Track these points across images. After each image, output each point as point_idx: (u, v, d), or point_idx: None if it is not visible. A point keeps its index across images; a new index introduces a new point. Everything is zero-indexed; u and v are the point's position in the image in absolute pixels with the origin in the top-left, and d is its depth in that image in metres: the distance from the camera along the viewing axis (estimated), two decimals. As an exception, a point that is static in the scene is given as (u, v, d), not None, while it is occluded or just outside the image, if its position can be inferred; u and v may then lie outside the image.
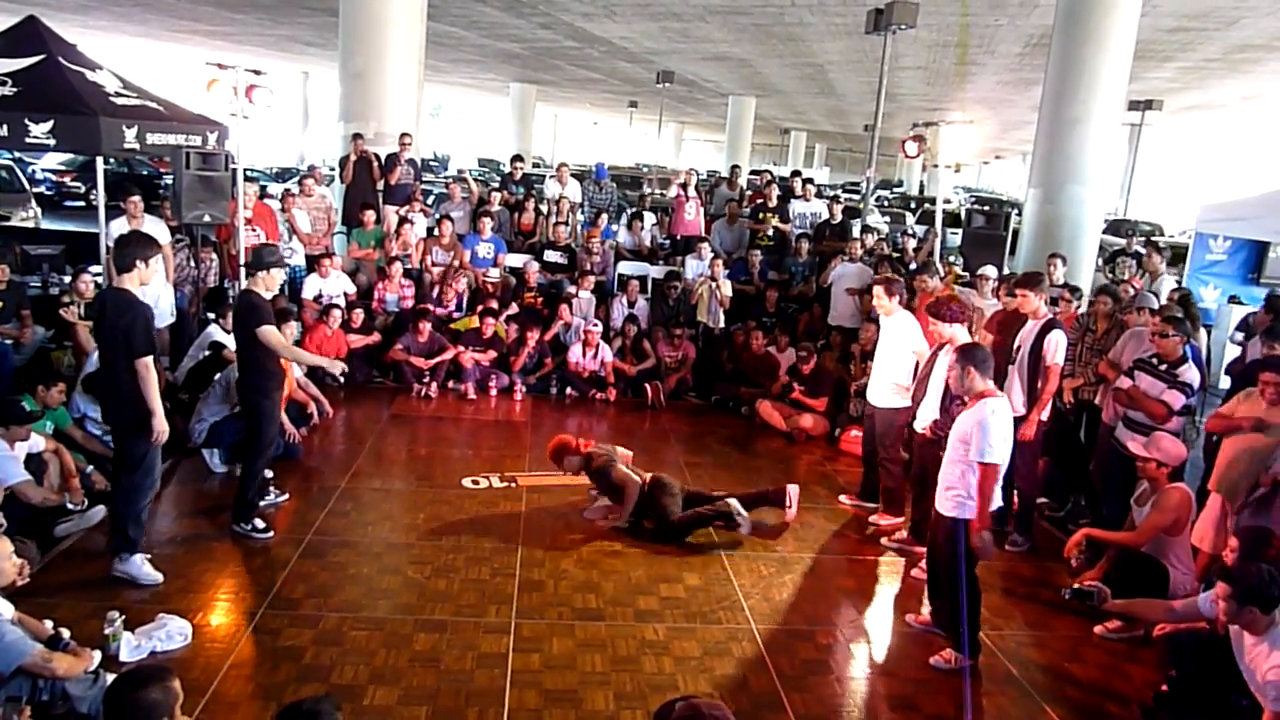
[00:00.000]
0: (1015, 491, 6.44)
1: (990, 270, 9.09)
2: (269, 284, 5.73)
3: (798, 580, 5.64)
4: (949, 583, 4.73)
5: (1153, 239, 9.96)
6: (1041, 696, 4.53)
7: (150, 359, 4.82)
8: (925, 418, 5.95)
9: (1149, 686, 4.54)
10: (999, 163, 63.86)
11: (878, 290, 6.56)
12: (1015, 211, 14.42)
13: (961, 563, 4.66)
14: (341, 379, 6.32)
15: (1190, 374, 5.90)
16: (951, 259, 10.88)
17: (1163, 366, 5.95)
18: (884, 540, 6.29)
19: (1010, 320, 6.83)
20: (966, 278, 9.80)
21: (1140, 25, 12.65)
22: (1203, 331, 7.65)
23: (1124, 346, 6.66)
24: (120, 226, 8.28)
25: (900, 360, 6.47)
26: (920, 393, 6.09)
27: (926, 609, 5.17)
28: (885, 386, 6.55)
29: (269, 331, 5.51)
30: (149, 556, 5.07)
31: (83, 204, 19.36)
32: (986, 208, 15.28)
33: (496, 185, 13.67)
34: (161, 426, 4.86)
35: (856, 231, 11.38)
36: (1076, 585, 4.73)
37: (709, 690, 4.35)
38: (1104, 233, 15.37)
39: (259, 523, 5.72)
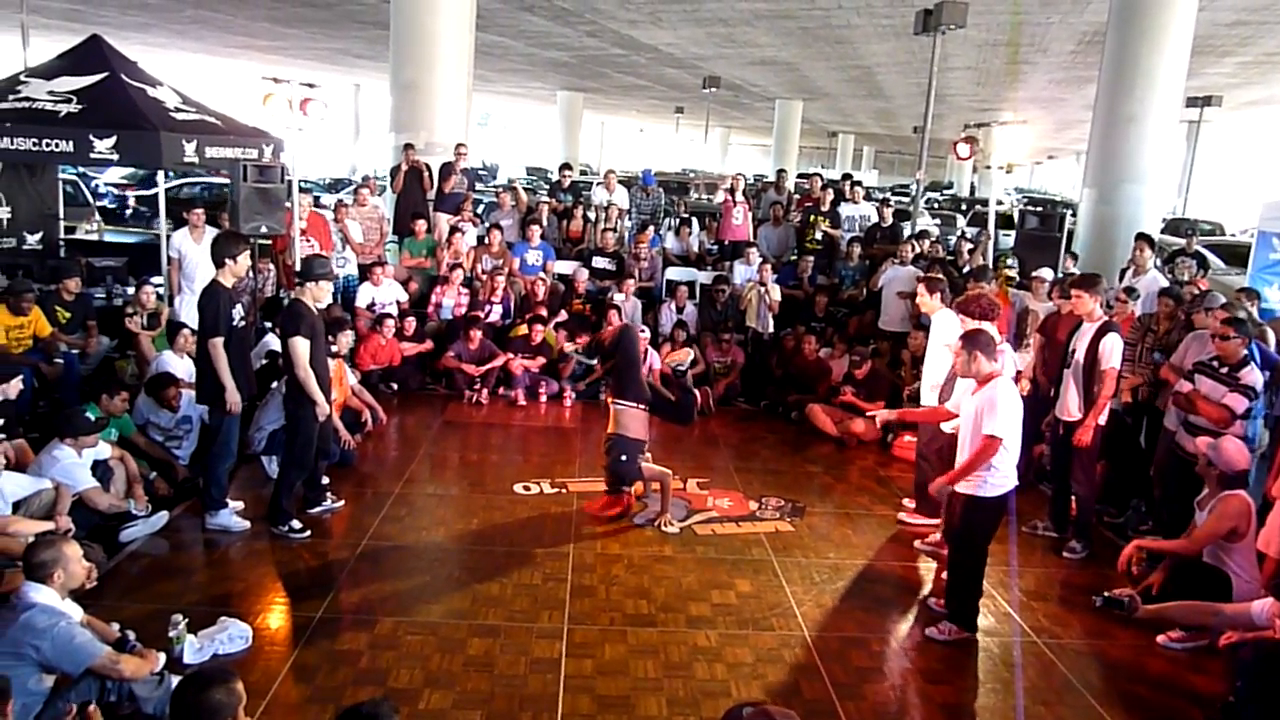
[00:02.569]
0: (1073, 497, 6.34)
1: (1046, 272, 8.95)
2: (317, 295, 5.95)
3: (850, 587, 5.60)
4: (957, 556, 4.99)
5: (1144, 233, 9.73)
6: (1102, 706, 4.43)
7: (219, 340, 5.54)
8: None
9: (1215, 698, 4.42)
10: (1052, 162, 62.75)
11: (920, 289, 6.62)
12: (1070, 212, 14.15)
13: (975, 539, 4.87)
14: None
15: (1252, 376, 5.74)
16: (1008, 262, 10.71)
17: (1224, 369, 5.80)
18: (917, 544, 6.21)
19: (1065, 323, 6.72)
20: (1018, 280, 9.66)
21: (1198, 20, 12.38)
22: (1270, 333, 7.42)
23: (1186, 349, 6.51)
24: (182, 238, 8.51)
25: (944, 360, 6.31)
26: (947, 392, 5.99)
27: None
28: (929, 387, 6.47)
29: (298, 343, 5.68)
30: (236, 509, 5.92)
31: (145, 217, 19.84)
32: (1040, 209, 15.02)
33: (545, 193, 13.77)
34: (233, 399, 5.62)
35: (907, 234, 11.27)
36: (1107, 594, 4.64)
37: (762, 697, 4.33)
38: (1162, 232, 15.02)
39: (295, 524, 5.87)
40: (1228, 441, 5.25)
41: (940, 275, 7.07)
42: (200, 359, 5.77)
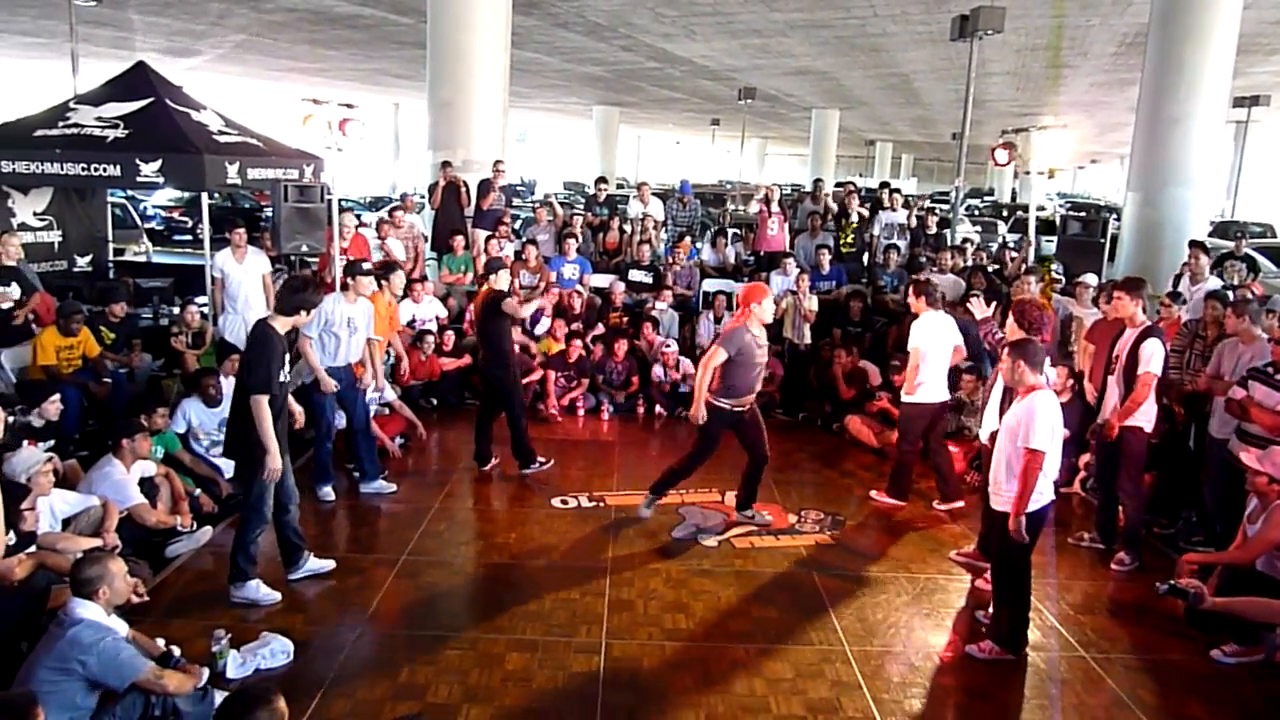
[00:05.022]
0: (1120, 508, 6.20)
1: (1090, 278, 8.79)
2: (501, 283, 7.15)
3: (891, 600, 5.52)
4: (1003, 576, 4.90)
5: (1198, 240, 9.59)
6: (1154, 723, 4.32)
7: (264, 398, 4.86)
8: (988, 427, 5.79)
9: (1271, 713, 4.29)
10: (1095, 167, 61.83)
11: (911, 291, 7.07)
12: (1114, 216, 13.93)
13: (1016, 555, 4.76)
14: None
15: (1309, 383, 5.58)
16: (1053, 267, 10.55)
17: (1278, 375, 5.65)
18: (952, 554, 6.12)
19: (1109, 328, 6.60)
20: (1061, 284, 9.50)
21: (1243, 18, 12.17)
22: None
23: (1220, 357, 6.36)
24: (225, 258, 8.66)
25: (934, 360, 6.77)
26: (986, 399, 6.00)
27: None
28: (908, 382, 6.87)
29: (510, 305, 7.07)
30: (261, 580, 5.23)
31: (190, 238, 20.29)
32: (1082, 213, 14.78)
33: (581, 207, 13.85)
34: (274, 465, 4.94)
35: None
36: (1173, 582, 4.51)
37: (802, 712, 4.28)
38: (1210, 235, 14.71)
39: (541, 459, 7.32)
40: (1279, 454, 5.10)
41: (930, 279, 7.75)
42: (236, 411, 5.05)
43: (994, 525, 4.96)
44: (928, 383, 6.76)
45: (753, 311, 6.07)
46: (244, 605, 5.10)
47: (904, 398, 6.93)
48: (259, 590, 5.17)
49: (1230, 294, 7.72)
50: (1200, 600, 4.34)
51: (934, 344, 6.75)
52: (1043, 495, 4.69)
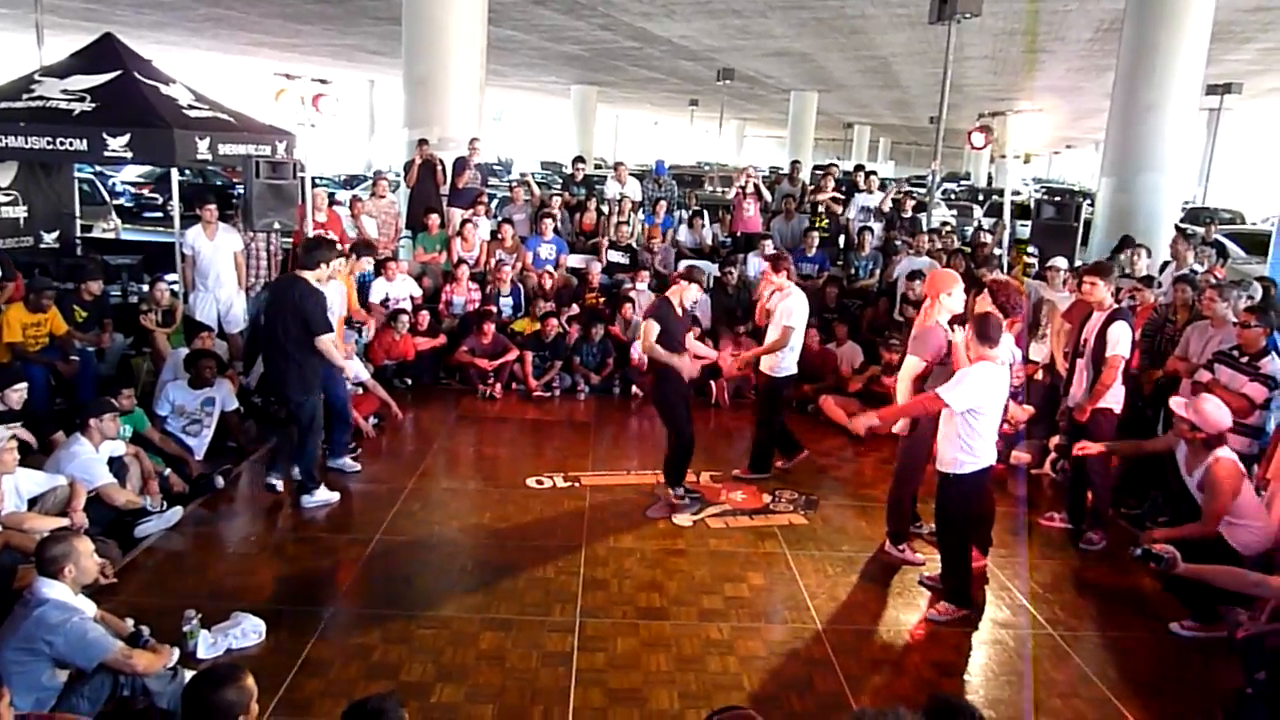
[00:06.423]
0: (1089, 488, 6.28)
1: (1061, 262, 8.85)
2: (685, 294, 6.46)
3: (863, 579, 5.56)
4: (945, 535, 5.06)
5: (1179, 226, 9.74)
6: (1119, 699, 4.39)
7: (329, 336, 5.97)
8: None
9: (1233, 689, 4.37)
10: (1070, 152, 62.25)
11: (766, 267, 7.09)
12: (1088, 201, 14.05)
13: (957, 516, 4.94)
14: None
15: (1273, 366, 5.67)
16: (1029, 250, 10.62)
17: (1244, 359, 5.73)
18: (925, 532, 6.14)
19: (1078, 311, 6.66)
20: (1035, 268, 9.57)
21: (1217, 6, 12.25)
22: None
23: (1188, 340, 6.43)
24: (195, 234, 8.54)
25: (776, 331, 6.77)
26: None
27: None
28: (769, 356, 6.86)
29: (650, 325, 6.28)
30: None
31: (160, 214, 19.99)
32: (1057, 198, 14.91)
33: (558, 187, 13.76)
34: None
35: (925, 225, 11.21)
36: (1147, 546, 4.55)
37: (774, 690, 4.32)
38: (1182, 221, 14.87)
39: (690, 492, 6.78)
40: (1206, 402, 5.09)
41: (786, 254, 7.93)
42: (279, 356, 6.03)
43: (938, 486, 5.07)
44: (792, 356, 6.92)
45: (941, 304, 5.44)
46: (202, 579, 5.18)
47: (772, 372, 6.87)
48: (326, 492, 6.24)
49: (1198, 278, 7.82)
50: (1173, 565, 4.38)
51: (803, 319, 6.84)
52: (980, 460, 4.83)
